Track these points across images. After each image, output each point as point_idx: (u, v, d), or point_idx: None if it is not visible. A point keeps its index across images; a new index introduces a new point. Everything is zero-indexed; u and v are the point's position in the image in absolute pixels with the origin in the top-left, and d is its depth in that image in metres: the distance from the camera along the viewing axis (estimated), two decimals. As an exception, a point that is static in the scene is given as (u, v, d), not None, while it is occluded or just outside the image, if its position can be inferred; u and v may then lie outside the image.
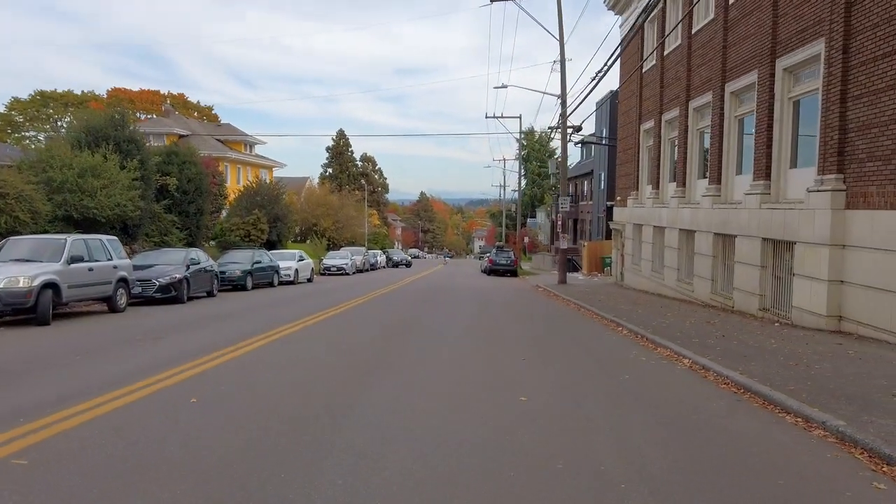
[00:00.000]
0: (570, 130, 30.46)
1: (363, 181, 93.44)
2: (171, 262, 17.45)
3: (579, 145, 55.34)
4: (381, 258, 51.99)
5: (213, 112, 69.78)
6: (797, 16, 12.91)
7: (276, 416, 5.50)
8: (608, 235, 38.91)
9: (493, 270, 40.88)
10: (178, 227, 26.39)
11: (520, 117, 54.47)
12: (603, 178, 40.74)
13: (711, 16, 17.61)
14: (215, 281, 19.58)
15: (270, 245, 38.46)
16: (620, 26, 29.45)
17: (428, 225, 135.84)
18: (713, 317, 13.79)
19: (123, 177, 20.98)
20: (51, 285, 11.95)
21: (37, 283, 11.61)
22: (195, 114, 66.49)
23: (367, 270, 43.64)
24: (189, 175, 26.92)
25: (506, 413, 5.82)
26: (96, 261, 13.62)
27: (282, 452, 4.52)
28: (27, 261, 12.44)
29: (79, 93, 64.02)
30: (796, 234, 12.20)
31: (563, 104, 29.75)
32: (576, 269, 43.96)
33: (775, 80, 13.79)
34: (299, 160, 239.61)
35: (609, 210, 38.89)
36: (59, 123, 59.23)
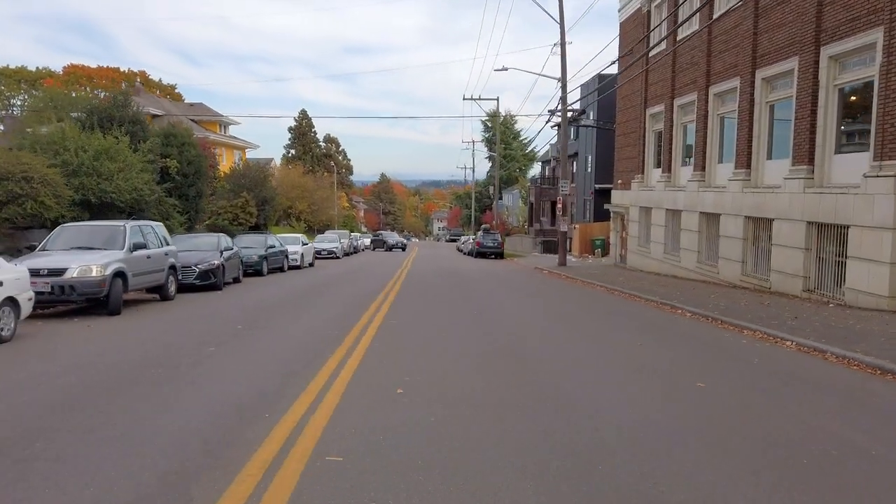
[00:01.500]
0: (570, 114, 30.72)
1: (332, 163, 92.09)
2: (205, 248, 16.99)
3: (555, 127, 56.00)
4: (363, 241, 51.88)
5: (175, 91, 67.32)
6: (847, 5, 13.39)
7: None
8: (597, 218, 39.66)
9: (480, 253, 41.12)
10: (178, 211, 25.58)
11: (497, 99, 54.63)
12: (591, 160, 41.31)
13: (735, 2, 18.03)
14: (241, 267, 19.17)
15: (255, 229, 37.74)
16: (619, 11, 29.83)
17: (389, 207, 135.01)
18: (757, 298, 14.35)
19: (136, 159, 20.20)
20: (119, 274, 11.53)
21: (109, 271, 11.18)
22: (157, 92, 64.01)
23: (351, 253, 43.29)
24: (189, 157, 26.07)
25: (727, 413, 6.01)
26: (152, 248, 13.18)
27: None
28: (88, 248, 11.93)
29: (32, 69, 60.71)
30: (850, 218, 12.77)
31: (564, 88, 30.01)
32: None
33: (819, 67, 14.30)
34: (260, 141, 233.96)
35: (598, 193, 39.60)
36: (12, 101, 56.16)
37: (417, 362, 7.34)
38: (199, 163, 26.76)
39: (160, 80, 66.96)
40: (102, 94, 25.21)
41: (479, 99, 55.06)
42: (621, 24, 29.71)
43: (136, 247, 12.35)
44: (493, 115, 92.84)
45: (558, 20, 29.31)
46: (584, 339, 9.61)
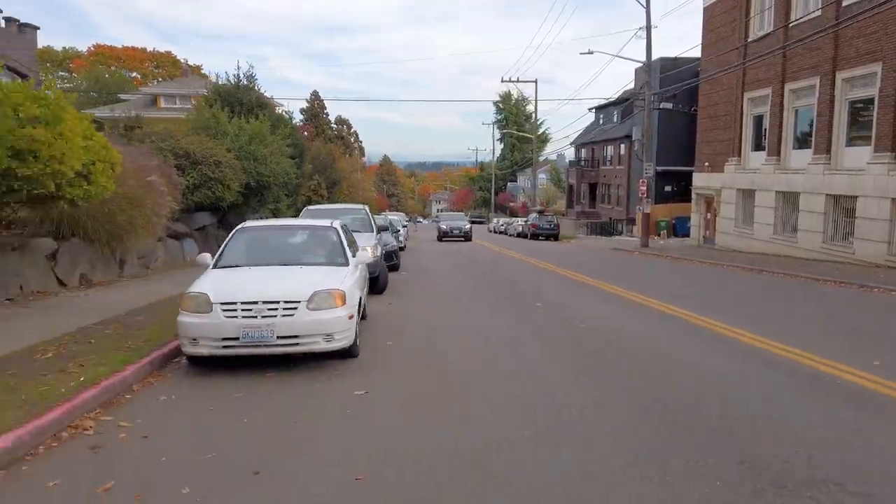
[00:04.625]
0: (654, 98, 31.25)
1: (345, 145, 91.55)
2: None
3: (593, 110, 56.48)
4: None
5: (202, 71, 66.36)
6: None
7: None
8: (657, 200, 40.36)
9: (535, 234, 41.69)
10: (285, 194, 25.78)
11: (535, 82, 54.74)
12: (654, 142, 41.81)
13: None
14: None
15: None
16: (705, -5, 30.26)
17: (392, 189, 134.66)
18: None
19: (278, 142, 20.38)
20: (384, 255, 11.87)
21: (379, 251, 11.53)
22: (178, 71, 63.04)
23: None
24: (294, 139, 26.18)
25: None
26: (381, 231, 13.51)
27: None
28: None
29: (59, 49, 59.46)
30: None
31: (649, 71, 30.53)
32: (611, 232, 45.46)
33: None
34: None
35: (659, 175, 40.24)
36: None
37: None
38: (301, 143, 26.87)
39: (186, 61, 65.90)
40: (226, 76, 24.83)
41: (518, 81, 54.26)
42: (706, 10, 30.17)
43: (381, 230, 12.64)
44: (504, 98, 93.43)
45: (644, 4, 29.73)
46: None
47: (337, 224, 8.35)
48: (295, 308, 6.12)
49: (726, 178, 27.76)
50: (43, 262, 10.59)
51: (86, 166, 9.01)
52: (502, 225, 55.15)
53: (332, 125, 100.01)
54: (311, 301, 6.19)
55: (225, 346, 6.07)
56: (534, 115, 60.38)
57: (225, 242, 7.74)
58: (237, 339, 6.01)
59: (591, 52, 32.00)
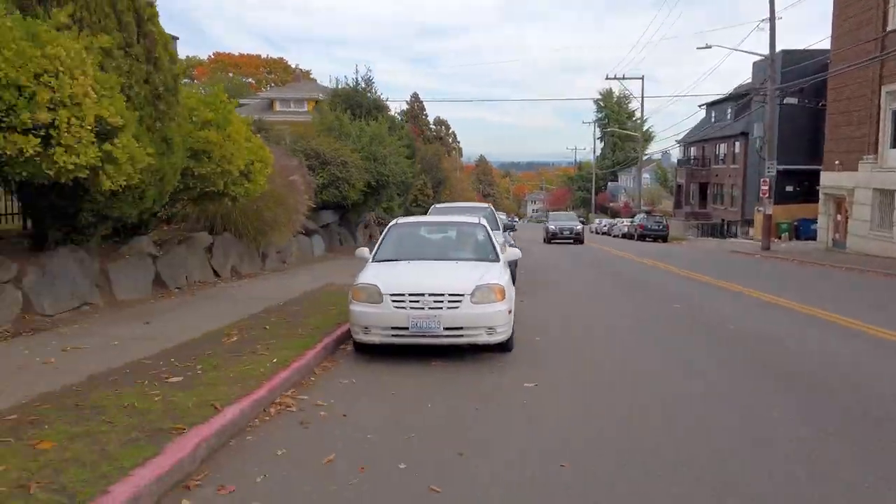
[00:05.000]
0: (778, 93, 29.62)
1: (444, 146, 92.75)
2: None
3: (703, 107, 54.15)
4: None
5: (311, 76, 69.35)
6: None
7: None
8: (777, 200, 38.18)
9: (643, 236, 40.53)
10: (397, 193, 26.48)
11: (642, 78, 53.09)
12: (775, 139, 39.58)
13: None
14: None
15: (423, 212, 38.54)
16: (835, -18, 28.31)
17: (488, 189, 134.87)
18: None
19: (395, 143, 21.00)
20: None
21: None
22: (290, 76, 66.18)
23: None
24: (408, 140, 26.86)
25: None
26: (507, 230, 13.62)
27: None
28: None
29: (182, 58, 63.96)
30: None
31: (772, 64, 28.96)
32: (723, 234, 43.43)
33: None
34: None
35: (779, 173, 38.03)
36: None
37: None
38: (412, 144, 27.52)
39: (297, 66, 69.11)
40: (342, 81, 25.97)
41: (623, 78, 52.90)
42: (836, 2, 28.23)
43: (506, 228, 12.74)
44: (605, 95, 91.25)
45: (768, -5, 28.19)
46: None
47: (484, 221, 8.57)
48: (459, 301, 6.34)
49: (860, 177, 25.84)
50: (202, 254, 11.50)
51: (247, 166, 9.73)
52: (605, 225, 53.99)
53: (431, 126, 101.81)
54: (474, 295, 6.40)
55: (394, 335, 6.39)
56: (640, 112, 58.43)
57: (381, 238, 8.12)
58: (406, 328, 6.31)
59: (709, 47, 30.48)
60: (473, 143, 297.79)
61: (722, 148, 48.01)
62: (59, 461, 3.46)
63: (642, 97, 53.59)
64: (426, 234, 8.53)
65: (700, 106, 53.94)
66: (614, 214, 70.64)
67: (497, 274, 6.93)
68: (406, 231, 8.39)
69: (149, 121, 7.54)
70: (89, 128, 5.91)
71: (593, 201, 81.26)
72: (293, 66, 70.20)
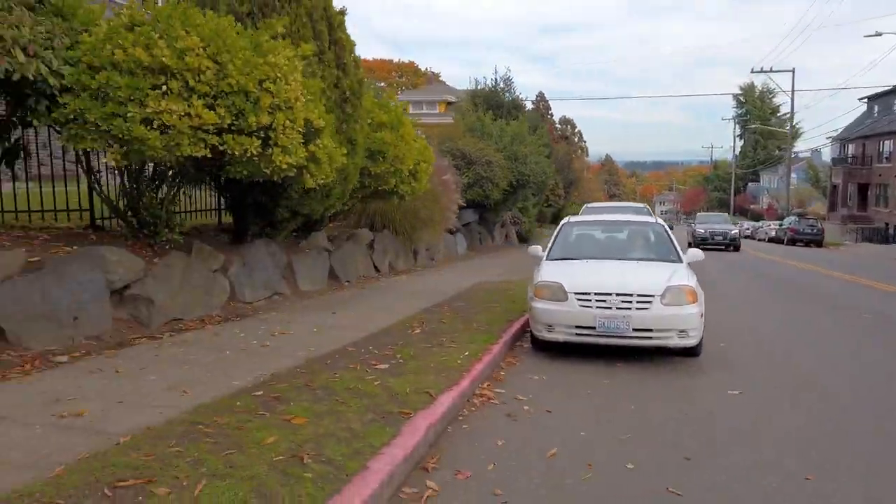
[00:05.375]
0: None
1: (567, 144, 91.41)
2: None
3: (864, 100, 49.36)
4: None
5: (440, 79, 70.89)
6: None
7: None
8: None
9: (793, 240, 37.55)
10: (532, 193, 26.36)
11: (793, 71, 49.12)
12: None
13: None
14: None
15: (555, 216, 38.25)
16: None
17: (615, 189, 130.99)
18: None
19: (535, 142, 20.92)
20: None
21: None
22: (421, 80, 67.95)
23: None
24: (544, 140, 26.67)
25: None
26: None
27: None
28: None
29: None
30: None
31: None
32: (887, 239, 39.37)
33: None
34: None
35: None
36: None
37: None
38: (548, 145, 27.29)
39: (427, 70, 70.94)
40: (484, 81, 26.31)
41: (771, 71, 49.28)
42: None
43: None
44: (746, 90, 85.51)
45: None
46: None
47: (661, 220, 8.30)
48: (649, 302, 6.18)
49: None
50: (364, 250, 12.08)
51: (415, 165, 10.09)
52: (747, 228, 50.68)
53: (557, 125, 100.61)
54: (665, 296, 6.21)
55: (579, 334, 6.34)
56: (790, 107, 54.01)
57: (554, 236, 8.10)
58: (593, 328, 6.24)
59: (878, 34, 27.75)
60: (597, 142, 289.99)
61: (887, 145, 43.53)
62: (316, 436, 3.74)
63: (792, 91, 49.59)
64: (601, 234, 8.41)
65: (861, 99, 49.27)
66: (755, 217, 66.09)
67: (685, 275, 6.68)
68: (580, 230, 8.32)
69: (337, 123, 8.02)
70: (300, 130, 6.38)
71: (732, 203, 76.47)
72: (423, 69, 72.16)
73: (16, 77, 4.83)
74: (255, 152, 6.02)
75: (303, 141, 6.51)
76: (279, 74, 6.10)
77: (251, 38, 6.23)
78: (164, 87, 5.49)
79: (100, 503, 2.84)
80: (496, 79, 24.40)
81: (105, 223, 7.84)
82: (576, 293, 6.36)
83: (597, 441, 4.30)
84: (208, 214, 10.10)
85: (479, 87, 24.23)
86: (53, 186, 7.70)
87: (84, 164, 6.93)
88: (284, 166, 6.30)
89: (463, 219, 19.28)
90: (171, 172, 7.03)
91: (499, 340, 6.74)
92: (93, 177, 6.96)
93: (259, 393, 4.51)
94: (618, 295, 6.24)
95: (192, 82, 5.56)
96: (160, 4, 6.33)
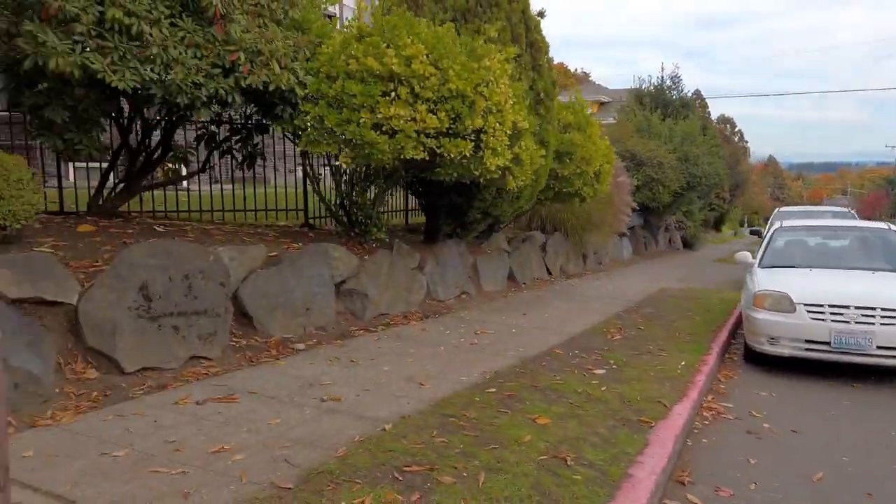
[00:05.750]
0: None
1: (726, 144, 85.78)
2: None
3: None
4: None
5: (589, 78, 69.39)
6: None
7: None
8: None
9: None
10: (698, 196, 24.88)
11: None
12: None
13: None
14: None
15: (717, 221, 35.96)
16: None
17: (778, 192, 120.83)
18: None
19: (707, 142, 19.74)
20: None
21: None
22: (570, 80, 66.79)
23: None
24: (715, 140, 25.12)
25: None
26: None
27: None
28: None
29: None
30: None
31: None
32: None
33: None
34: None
35: None
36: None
37: None
38: (718, 145, 25.67)
39: (577, 70, 69.77)
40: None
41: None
42: None
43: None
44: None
45: None
46: None
47: (894, 227, 7.44)
48: (896, 317, 5.54)
49: None
50: (538, 252, 12.03)
51: (599, 167, 9.88)
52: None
53: (716, 124, 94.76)
54: (917, 311, 5.54)
55: (809, 350, 5.82)
56: None
57: (765, 242, 7.55)
58: (827, 343, 5.70)
59: None
60: (759, 142, 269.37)
61: None
62: (567, 438, 3.73)
63: None
64: (818, 240, 7.70)
65: None
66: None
67: None
68: (795, 236, 7.68)
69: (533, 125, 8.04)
70: (507, 132, 6.45)
71: (920, 207, 67.49)
72: (572, 69, 71.04)
73: (272, 87, 5.32)
74: (467, 154, 6.16)
75: (508, 143, 6.58)
76: (492, 78, 6.21)
77: (466, 43, 6.39)
78: (393, 94, 5.78)
79: (393, 485, 3.00)
80: (662, 77, 23.39)
81: (315, 222, 8.45)
82: (805, 304, 5.84)
83: (866, 468, 3.89)
84: (396, 215, 10.57)
85: (643, 86, 23.35)
86: (276, 188, 8.44)
87: (312, 168, 7.53)
88: (493, 168, 6.39)
89: (629, 222, 18.69)
90: (381, 175, 7.41)
91: (710, 351, 6.36)
92: (312, 179, 7.52)
93: (492, 390, 4.58)
94: (857, 308, 5.65)
95: (417, 88, 5.81)
96: (370, 14, 6.70)
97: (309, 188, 8.04)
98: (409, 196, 10.32)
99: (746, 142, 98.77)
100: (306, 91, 5.78)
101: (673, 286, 11.92)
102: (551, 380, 4.94)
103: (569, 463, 3.35)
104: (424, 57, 5.89)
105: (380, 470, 3.13)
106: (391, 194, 10.28)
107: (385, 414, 4.00)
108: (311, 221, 8.32)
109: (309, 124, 5.90)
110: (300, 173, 10.27)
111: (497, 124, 6.32)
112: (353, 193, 7.27)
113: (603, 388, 4.78)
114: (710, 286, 12.18)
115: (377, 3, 7.83)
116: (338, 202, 7.59)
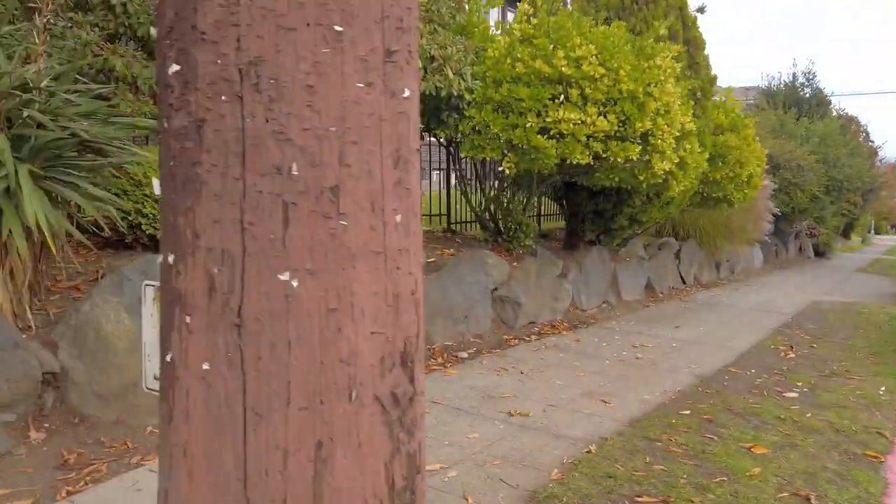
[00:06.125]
0: None
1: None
2: None
3: None
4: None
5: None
6: None
7: None
8: None
9: None
10: (830, 202, 23.00)
11: None
12: None
13: None
14: None
15: (846, 228, 33.13)
16: None
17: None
18: None
19: (849, 142, 18.22)
20: None
21: None
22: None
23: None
24: (855, 140, 23.20)
25: None
26: None
27: None
28: None
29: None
30: None
31: None
32: None
33: None
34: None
35: None
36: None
37: None
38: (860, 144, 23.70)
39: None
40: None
41: None
42: None
43: None
44: None
45: None
46: None
47: None
48: None
49: None
50: (672, 260, 11.47)
51: (752, 170, 9.26)
52: None
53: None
54: None
55: None
56: None
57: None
58: None
59: None
60: (884, 141, 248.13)
61: None
62: (796, 472, 3.39)
63: None
64: None
65: None
66: None
67: None
68: None
69: (689, 127, 7.62)
70: (675, 134, 6.11)
71: None
72: (680, 68, 68.16)
73: (444, 93, 5.29)
74: (633, 158, 5.88)
75: (674, 146, 6.24)
76: (662, 78, 5.89)
77: (634, 42, 6.11)
78: (562, 97, 5.60)
79: (628, 517, 2.81)
80: (794, 73, 21.83)
81: (456, 227, 8.42)
82: None
83: None
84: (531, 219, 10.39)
85: (772, 84, 21.92)
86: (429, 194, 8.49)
87: (479, 174, 7.50)
88: (660, 172, 6.07)
89: (768, 229, 17.58)
90: (534, 180, 7.23)
91: (908, 376, 5.74)
92: (463, 186, 7.47)
93: (686, 412, 4.29)
94: None
95: (587, 90, 5.59)
96: (535, 15, 6.54)
97: (452, 193, 8.02)
98: (542, 200, 10.11)
99: (873, 142, 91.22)
100: (473, 96, 5.70)
101: (823, 299, 11.02)
102: (744, 403, 4.57)
103: (813, 502, 3.03)
104: (594, 58, 5.67)
105: (610, 498, 2.95)
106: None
107: (581, 434, 3.81)
108: (452, 227, 8.30)
109: (474, 129, 5.82)
110: (434, 177, 10.24)
111: (665, 126, 5.99)
112: (505, 199, 7.15)
113: (808, 415, 4.36)
114: (864, 299, 11.18)
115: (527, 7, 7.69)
116: (484, 207, 7.50)
